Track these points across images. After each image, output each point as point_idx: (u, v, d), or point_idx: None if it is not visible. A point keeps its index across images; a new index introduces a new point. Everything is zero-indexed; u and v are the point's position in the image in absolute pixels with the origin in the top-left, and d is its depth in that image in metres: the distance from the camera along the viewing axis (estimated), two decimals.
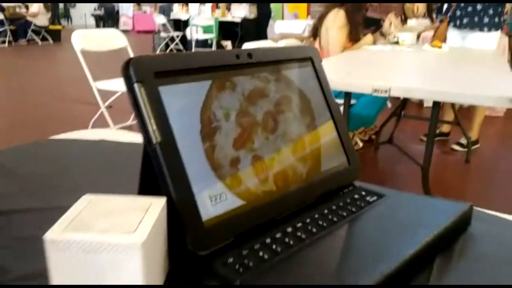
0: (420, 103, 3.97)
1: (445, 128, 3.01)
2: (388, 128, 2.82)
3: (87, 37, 2.56)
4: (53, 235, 0.33)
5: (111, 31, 2.83)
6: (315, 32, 2.75)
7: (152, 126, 0.40)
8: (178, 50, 8.37)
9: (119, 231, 0.33)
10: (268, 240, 0.43)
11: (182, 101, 0.43)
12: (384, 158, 2.80)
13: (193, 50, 7.61)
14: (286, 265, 0.39)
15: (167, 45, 8.44)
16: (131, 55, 2.39)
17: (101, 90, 2.51)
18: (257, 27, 8.22)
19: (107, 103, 2.56)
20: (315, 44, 2.71)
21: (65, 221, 0.34)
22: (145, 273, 0.33)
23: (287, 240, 0.43)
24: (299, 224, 0.46)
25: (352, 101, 2.42)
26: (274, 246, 0.42)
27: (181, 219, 0.39)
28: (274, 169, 0.48)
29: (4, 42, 9.34)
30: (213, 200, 0.42)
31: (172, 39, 8.39)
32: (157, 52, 7.94)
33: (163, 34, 8.50)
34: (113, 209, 0.36)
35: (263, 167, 0.47)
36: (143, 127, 0.40)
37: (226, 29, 8.51)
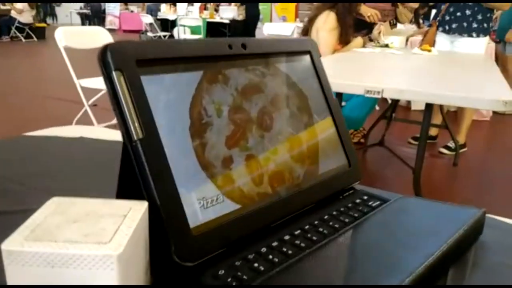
0: (407, 106, 3.97)
1: (433, 131, 3.01)
2: (376, 131, 2.80)
3: (71, 34, 2.49)
4: (12, 245, 0.27)
5: (96, 29, 2.76)
6: (305, 33, 2.72)
7: (133, 120, 0.35)
8: None
9: (91, 241, 0.28)
10: (263, 249, 0.38)
11: (168, 93, 0.38)
12: (373, 160, 2.78)
13: None
14: (284, 277, 0.35)
15: None
16: None
17: (85, 88, 2.44)
18: (245, 29, 8.19)
19: (91, 101, 2.49)
20: None
21: (27, 229, 0.29)
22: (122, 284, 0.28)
23: (284, 249, 0.39)
24: (297, 231, 0.41)
25: (342, 104, 2.40)
26: (270, 256, 0.37)
27: (165, 226, 0.34)
28: (270, 170, 0.44)
29: None
30: (203, 204, 0.37)
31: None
32: None
33: (150, 34, 8.41)
34: (85, 215, 0.31)
35: (258, 168, 0.43)
36: (122, 121, 0.35)
37: (214, 30, 8.46)
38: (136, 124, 0.35)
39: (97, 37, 2.62)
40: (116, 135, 0.75)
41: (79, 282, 0.28)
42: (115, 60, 0.35)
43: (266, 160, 0.44)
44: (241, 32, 8.02)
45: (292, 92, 0.50)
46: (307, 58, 0.53)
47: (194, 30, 8.04)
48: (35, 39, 9.77)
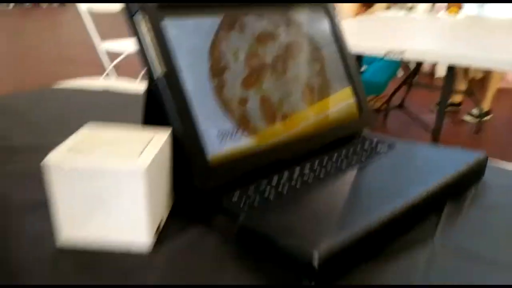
0: (431, 73, 3.89)
1: (457, 98, 2.95)
2: (398, 98, 2.77)
3: None
4: (53, 161, 0.32)
5: None
6: None
7: (155, 57, 0.38)
8: None
9: (122, 158, 0.32)
10: (274, 181, 0.42)
11: (188, 37, 0.41)
12: (392, 125, 2.77)
13: None
14: (291, 205, 0.38)
15: None
16: None
17: (107, 52, 2.48)
18: None
19: (113, 64, 2.54)
20: None
21: (66, 147, 0.33)
22: (148, 200, 0.32)
23: (293, 183, 0.42)
24: (306, 168, 0.45)
25: (363, 68, 2.37)
26: (279, 188, 0.41)
27: (186, 154, 0.38)
28: (282, 111, 0.47)
29: (8, 4, 9.22)
30: (221, 137, 0.41)
31: None
32: None
33: None
34: (116, 138, 0.35)
35: (272, 109, 0.46)
36: (145, 60, 0.38)
37: None
38: (158, 62, 0.38)
39: None
40: (140, 87, 0.79)
41: (110, 192, 0.32)
42: (138, 3, 0.38)
43: (280, 102, 0.47)
44: None
45: (306, 41, 0.52)
46: (323, 9, 0.55)
47: None
48: (56, 5, 9.82)
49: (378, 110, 2.80)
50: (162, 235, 0.36)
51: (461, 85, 2.78)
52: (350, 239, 0.31)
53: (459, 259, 0.34)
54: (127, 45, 2.42)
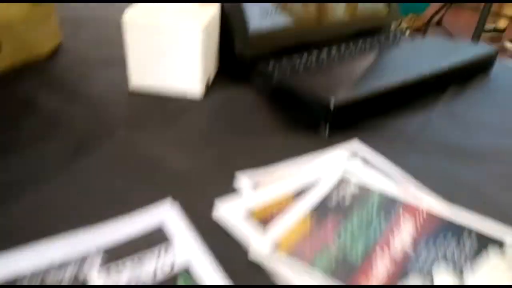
0: None
1: (501, 23, 2.81)
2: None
3: None
4: (129, 17, 0.40)
5: None
6: None
7: None
8: None
9: (184, 19, 0.40)
10: (304, 57, 0.49)
11: None
12: None
13: None
14: (316, 73, 0.45)
15: None
16: None
17: None
18: None
19: None
20: None
21: (139, 9, 0.41)
22: (202, 55, 0.40)
23: (320, 59, 0.49)
24: (333, 49, 0.51)
25: None
26: (308, 62, 0.48)
27: (231, 26, 0.45)
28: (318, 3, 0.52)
29: None
30: (261, 15, 0.47)
31: None
32: None
33: None
34: (178, 8, 0.42)
35: None
36: None
37: None
38: None
39: None
40: None
41: (174, 47, 0.40)
42: None
43: None
44: None
45: None
46: None
47: None
48: None
49: (417, 30, 2.72)
50: (210, 89, 0.44)
51: (509, 10, 2.64)
52: (360, 95, 0.39)
53: (452, 123, 0.42)
54: None
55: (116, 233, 0.25)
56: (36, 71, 0.47)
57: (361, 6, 0.56)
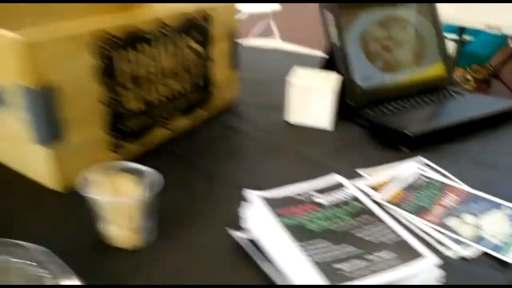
0: None
1: None
2: (507, 70, 2.78)
3: None
4: (293, 79, 0.71)
5: None
6: None
7: (336, 34, 0.75)
8: None
9: (322, 82, 0.71)
10: (392, 105, 0.78)
11: (354, 27, 0.78)
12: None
13: None
14: (401, 115, 0.74)
15: None
16: None
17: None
18: None
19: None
20: None
21: (297, 73, 0.73)
22: (332, 106, 0.71)
23: (401, 107, 0.78)
24: (410, 100, 0.80)
25: (469, 38, 2.48)
26: (394, 108, 0.77)
27: (344, 84, 0.75)
28: (399, 67, 0.82)
29: None
30: (365, 77, 0.77)
31: None
32: None
33: None
34: (317, 73, 0.74)
35: (393, 66, 0.81)
36: (328, 37, 0.76)
37: None
38: (336, 38, 0.75)
39: None
40: (302, 49, 1.17)
41: (316, 97, 0.71)
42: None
43: (397, 63, 0.82)
44: None
45: (413, 28, 0.85)
46: (426, 8, 0.87)
47: None
48: None
49: (479, 80, 2.86)
50: (335, 124, 0.75)
51: None
52: (425, 129, 0.67)
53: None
54: (265, 7, 2.69)
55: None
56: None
57: (425, 74, 0.85)
